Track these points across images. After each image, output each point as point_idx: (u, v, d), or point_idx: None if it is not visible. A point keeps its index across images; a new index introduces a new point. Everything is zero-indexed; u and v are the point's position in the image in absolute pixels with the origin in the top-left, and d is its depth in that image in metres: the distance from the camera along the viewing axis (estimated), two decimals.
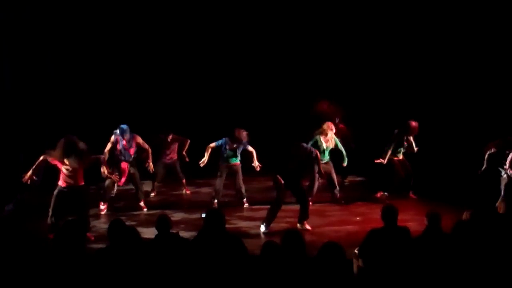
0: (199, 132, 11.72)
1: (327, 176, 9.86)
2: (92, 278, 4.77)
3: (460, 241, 5.30)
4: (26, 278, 4.83)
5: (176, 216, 9.32)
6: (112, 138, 9.81)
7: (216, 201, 9.96)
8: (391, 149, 10.20)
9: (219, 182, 9.98)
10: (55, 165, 8.06)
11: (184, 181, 11.32)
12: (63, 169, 7.97)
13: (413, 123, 10.08)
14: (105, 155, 9.29)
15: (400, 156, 10.38)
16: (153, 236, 5.77)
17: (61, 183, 8.05)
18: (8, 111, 11.16)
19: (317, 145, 9.66)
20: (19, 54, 11.59)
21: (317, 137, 9.81)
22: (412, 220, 7.75)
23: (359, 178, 12.34)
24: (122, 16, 12.63)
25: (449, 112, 11.49)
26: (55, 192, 8.05)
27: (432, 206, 7.36)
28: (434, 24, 11.67)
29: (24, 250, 6.23)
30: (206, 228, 5.47)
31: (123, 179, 9.80)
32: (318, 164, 9.10)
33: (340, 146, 10.07)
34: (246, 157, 10.07)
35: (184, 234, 6.63)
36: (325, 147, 9.83)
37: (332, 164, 10.15)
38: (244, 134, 9.75)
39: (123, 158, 9.81)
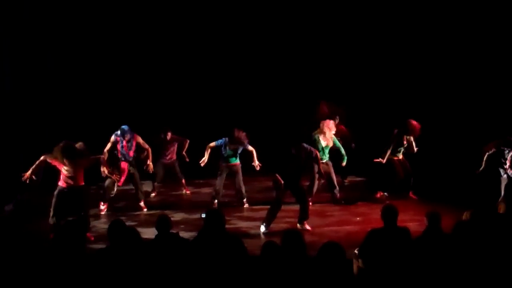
0: (199, 132, 11.73)
1: (326, 176, 9.87)
2: (92, 278, 4.78)
3: (460, 241, 5.30)
4: (26, 278, 4.83)
5: (176, 216, 9.32)
6: (112, 138, 9.84)
7: (216, 201, 9.96)
8: (391, 148, 10.20)
9: (219, 182, 9.98)
10: (55, 166, 8.08)
11: (183, 181, 11.33)
12: (63, 169, 7.99)
13: (413, 122, 10.08)
14: (105, 155, 9.32)
15: (400, 156, 10.38)
16: (153, 236, 5.77)
17: (61, 183, 8.06)
18: (8, 111, 11.15)
19: (316, 144, 9.67)
20: (19, 55, 11.59)
21: (316, 136, 9.84)
22: (412, 220, 7.75)
23: (359, 178, 12.34)
24: (121, 17, 12.62)
25: (449, 112, 11.48)
26: (56, 192, 8.07)
27: (432, 206, 7.38)
28: (434, 24, 11.67)
29: (24, 250, 6.23)
30: (206, 228, 5.47)
31: (122, 179, 9.80)
32: (318, 164, 9.11)
33: (338, 144, 10.08)
34: (246, 157, 10.07)
35: (184, 234, 6.63)
36: (323, 146, 9.84)
37: (331, 164, 10.15)
38: (243, 135, 9.74)
39: (123, 158, 9.82)
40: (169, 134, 10.97)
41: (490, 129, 9.87)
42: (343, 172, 11.49)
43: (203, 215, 5.68)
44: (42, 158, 8.15)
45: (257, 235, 8.34)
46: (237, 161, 10.03)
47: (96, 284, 4.78)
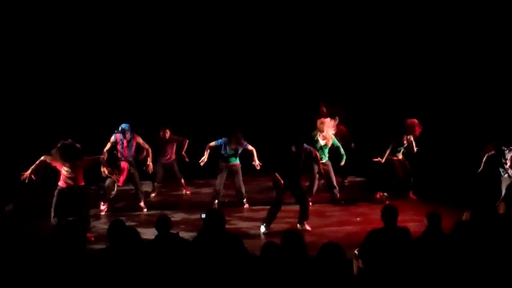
0: (199, 132, 11.72)
1: (325, 176, 9.87)
2: (92, 278, 4.78)
3: (460, 242, 5.30)
4: (27, 278, 4.83)
5: (176, 216, 9.32)
6: (112, 138, 9.84)
7: (216, 201, 9.96)
8: (390, 148, 10.20)
9: (219, 182, 9.98)
10: (55, 167, 8.09)
11: (182, 180, 11.32)
12: (63, 170, 8.00)
13: (410, 120, 10.08)
14: (104, 155, 9.32)
15: (400, 156, 10.38)
16: (153, 237, 5.77)
17: (61, 183, 8.07)
18: (8, 114, 11.16)
19: (315, 143, 9.67)
20: (19, 62, 11.60)
21: (315, 136, 9.84)
22: (412, 221, 7.76)
23: (359, 179, 12.34)
24: (120, 21, 12.61)
25: (449, 112, 11.48)
26: (56, 192, 8.07)
27: (432, 206, 7.39)
28: (434, 24, 11.67)
29: (24, 250, 6.22)
30: (206, 228, 5.48)
31: (122, 179, 9.80)
32: (318, 164, 9.11)
33: (337, 144, 10.08)
34: (247, 157, 10.07)
35: (184, 234, 6.63)
36: (322, 145, 9.84)
37: (330, 164, 10.15)
38: (239, 135, 9.72)
39: (123, 158, 9.81)
40: (168, 132, 10.96)
41: (490, 129, 9.86)
42: (343, 172, 11.50)
43: (203, 215, 5.68)
44: (42, 158, 8.16)
45: (257, 236, 8.35)
46: (237, 161, 10.03)
47: (96, 284, 4.78)
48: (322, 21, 13.14)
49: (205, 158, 9.93)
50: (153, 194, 11.19)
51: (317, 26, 13.19)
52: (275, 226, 8.49)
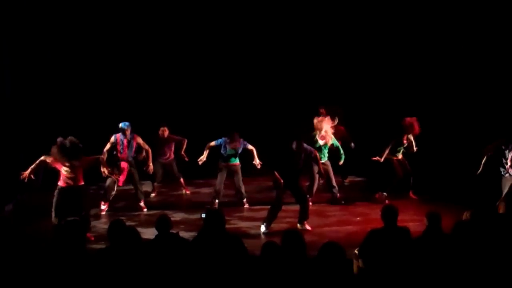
0: (198, 132, 11.72)
1: (325, 176, 9.87)
2: (92, 278, 4.77)
3: (460, 241, 5.29)
4: (26, 278, 4.83)
5: (176, 216, 9.32)
6: (112, 138, 9.84)
7: (217, 201, 9.96)
8: (389, 148, 10.20)
9: (219, 182, 9.97)
10: (55, 168, 8.08)
11: (182, 180, 11.32)
12: (63, 170, 7.98)
13: (408, 119, 10.07)
14: (104, 155, 9.33)
15: (400, 156, 10.39)
16: (153, 237, 5.77)
17: (61, 183, 8.06)
18: (8, 115, 11.15)
19: (314, 143, 9.66)
20: (19, 62, 11.60)
21: (315, 137, 9.84)
22: (412, 220, 7.76)
23: (359, 179, 12.35)
24: (120, 21, 12.61)
25: (449, 112, 11.47)
26: (56, 192, 8.06)
27: (432, 206, 7.39)
28: (434, 24, 11.66)
29: (24, 250, 6.22)
30: (206, 228, 5.48)
31: (122, 179, 9.80)
32: (318, 164, 9.11)
33: (336, 143, 10.08)
34: (247, 156, 10.07)
35: (184, 234, 6.63)
36: (321, 144, 9.83)
37: (330, 164, 10.15)
38: (236, 135, 9.72)
39: (123, 158, 9.80)
40: (166, 131, 10.94)
41: (490, 129, 9.86)
42: (343, 172, 11.50)
43: (203, 215, 5.68)
44: (42, 158, 8.15)
45: (257, 235, 8.35)
46: (236, 161, 10.03)
47: (96, 284, 4.78)
48: (321, 21, 13.14)
49: (203, 157, 9.94)
50: (153, 194, 11.19)
51: (317, 26, 13.18)
52: (275, 225, 8.49)
